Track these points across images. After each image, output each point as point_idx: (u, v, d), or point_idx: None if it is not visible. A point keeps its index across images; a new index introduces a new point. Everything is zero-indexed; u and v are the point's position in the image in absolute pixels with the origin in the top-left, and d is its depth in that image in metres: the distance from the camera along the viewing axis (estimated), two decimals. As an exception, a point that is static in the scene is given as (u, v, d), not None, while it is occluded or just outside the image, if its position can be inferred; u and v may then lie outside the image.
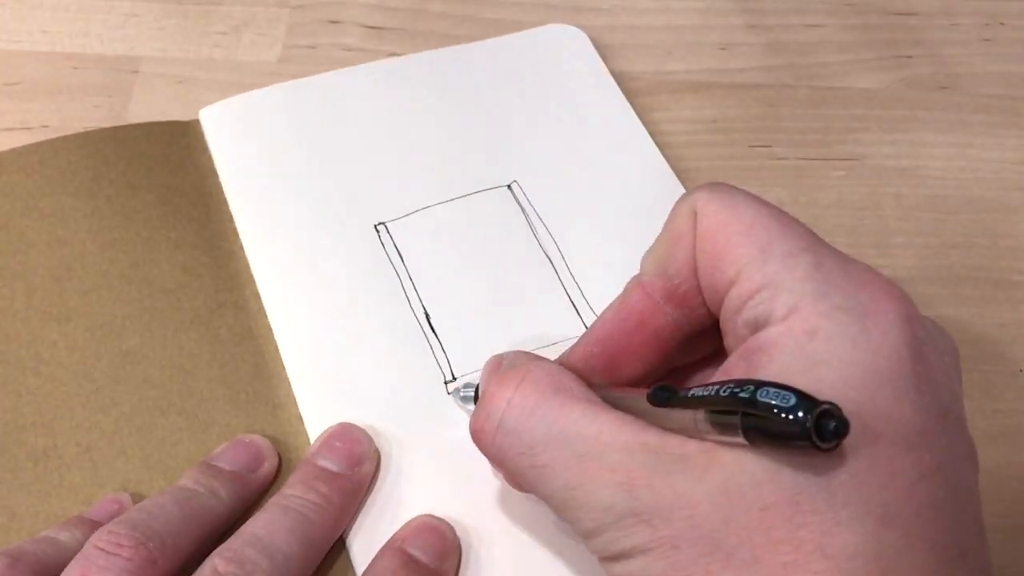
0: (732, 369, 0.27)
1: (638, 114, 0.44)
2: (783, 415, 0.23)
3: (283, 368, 0.38)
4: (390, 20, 0.49)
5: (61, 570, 0.31)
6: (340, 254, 0.40)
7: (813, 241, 0.28)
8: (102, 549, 0.30)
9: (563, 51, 0.47)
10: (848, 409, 0.24)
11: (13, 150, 0.43)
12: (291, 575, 0.32)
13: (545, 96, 0.45)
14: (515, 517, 0.34)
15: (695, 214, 0.29)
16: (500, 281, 0.40)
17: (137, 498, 0.35)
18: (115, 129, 0.44)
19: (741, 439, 0.24)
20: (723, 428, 0.25)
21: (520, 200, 0.42)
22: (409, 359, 0.38)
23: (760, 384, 0.24)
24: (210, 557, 0.31)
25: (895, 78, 0.47)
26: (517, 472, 0.29)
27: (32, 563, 0.31)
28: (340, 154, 0.43)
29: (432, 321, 0.39)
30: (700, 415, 0.25)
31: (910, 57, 0.48)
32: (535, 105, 0.45)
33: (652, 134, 0.44)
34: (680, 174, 0.42)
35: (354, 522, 0.34)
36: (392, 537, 0.33)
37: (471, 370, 0.37)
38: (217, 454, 0.35)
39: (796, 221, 0.28)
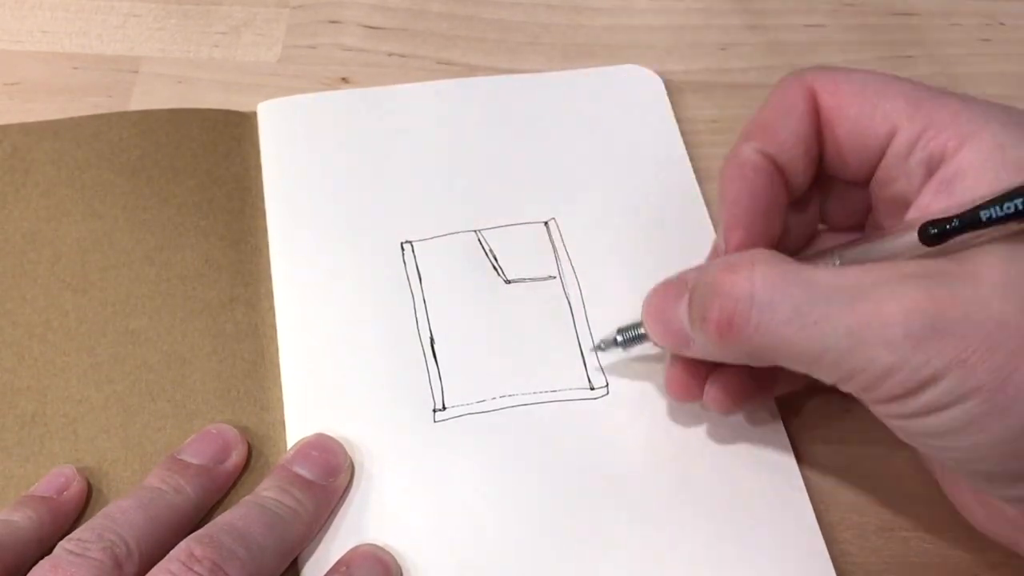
0: (931, 205, 0.30)
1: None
2: None
3: (279, 370, 0.38)
4: (390, 20, 0.49)
5: (19, 551, 0.32)
6: (360, 265, 0.40)
7: (938, 87, 0.31)
8: (71, 551, 0.31)
9: (634, 94, 0.45)
10: None
11: (71, 119, 0.44)
12: (265, 568, 0.32)
13: (604, 137, 0.44)
14: (464, 562, 0.34)
15: (810, 89, 0.33)
16: (513, 318, 0.39)
17: (101, 476, 0.35)
18: (172, 111, 0.44)
19: None
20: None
21: (554, 239, 0.41)
22: (403, 381, 0.37)
23: None
24: (185, 540, 0.31)
25: (895, 78, 0.47)
26: (783, 344, 0.29)
27: None
28: (385, 167, 0.43)
29: (436, 347, 0.38)
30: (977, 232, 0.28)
31: (910, 57, 0.48)
32: (592, 144, 0.44)
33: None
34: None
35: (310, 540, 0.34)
36: (337, 562, 0.33)
37: (462, 402, 0.37)
38: (184, 447, 0.35)
39: (906, 78, 0.32)
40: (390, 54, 0.48)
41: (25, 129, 0.44)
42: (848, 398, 0.38)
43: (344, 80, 0.47)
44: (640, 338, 0.36)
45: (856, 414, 0.37)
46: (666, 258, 0.40)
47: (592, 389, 0.37)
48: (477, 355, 0.38)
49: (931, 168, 0.30)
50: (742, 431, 0.36)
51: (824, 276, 0.29)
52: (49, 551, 0.31)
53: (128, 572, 0.31)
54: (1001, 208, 0.27)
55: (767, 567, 0.34)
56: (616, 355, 0.37)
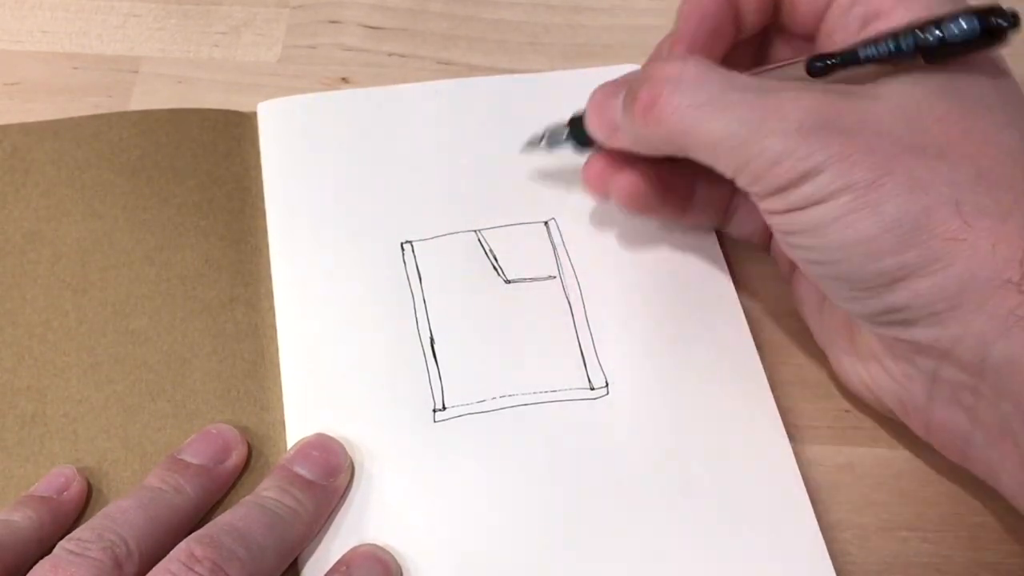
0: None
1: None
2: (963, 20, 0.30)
3: (279, 370, 0.38)
4: (390, 20, 0.49)
5: (19, 551, 0.32)
6: (361, 265, 0.40)
7: None
8: (71, 551, 0.31)
9: None
10: None
11: (71, 119, 0.44)
12: (265, 568, 0.32)
13: None
14: (464, 562, 0.34)
15: None
16: (513, 318, 0.39)
17: (102, 476, 0.35)
18: (172, 111, 0.44)
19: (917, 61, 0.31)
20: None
21: (554, 238, 0.41)
22: (403, 381, 0.37)
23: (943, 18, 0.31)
24: (185, 540, 0.31)
25: (895, 78, 0.47)
26: (693, 127, 0.32)
27: None
28: (385, 167, 0.43)
29: (435, 347, 0.38)
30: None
31: (910, 57, 0.48)
32: (592, 144, 0.44)
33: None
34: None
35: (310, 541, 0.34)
36: (337, 562, 0.33)
37: (462, 402, 0.37)
38: (184, 447, 0.35)
39: None
40: (390, 54, 0.48)
41: (25, 129, 0.44)
42: (847, 398, 0.38)
43: (344, 80, 0.47)
44: (560, 140, 0.39)
45: (856, 414, 0.37)
46: (666, 257, 0.40)
47: (592, 389, 0.37)
48: (477, 355, 0.38)
49: (866, 22, 0.33)
50: (742, 431, 0.36)
51: (744, 78, 0.32)
52: (49, 551, 0.31)
53: (128, 572, 0.31)
54: (876, 48, 0.31)
55: (767, 567, 0.34)
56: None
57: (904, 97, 0.31)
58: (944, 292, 0.29)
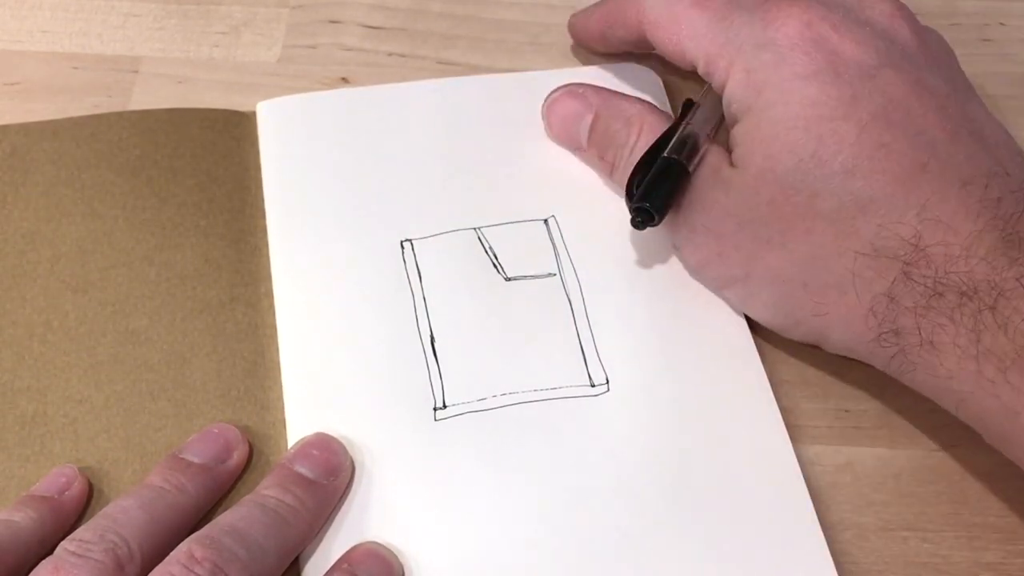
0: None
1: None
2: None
3: (279, 370, 0.38)
4: (390, 20, 0.49)
5: (20, 551, 0.32)
6: (361, 264, 0.40)
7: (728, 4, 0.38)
8: (72, 552, 0.31)
9: (633, 93, 0.44)
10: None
11: (71, 119, 0.44)
12: (266, 569, 0.32)
13: None
14: (466, 560, 0.34)
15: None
16: (514, 316, 0.39)
17: (102, 476, 0.35)
18: (171, 111, 0.44)
19: None
20: None
21: (554, 236, 0.41)
22: (403, 380, 0.37)
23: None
24: (186, 541, 0.31)
25: (895, 78, 0.47)
26: None
27: None
28: (385, 166, 0.43)
29: (436, 346, 0.38)
30: None
31: (910, 57, 0.48)
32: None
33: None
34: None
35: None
36: (339, 560, 0.33)
37: (463, 400, 0.37)
38: (186, 446, 0.35)
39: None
40: (390, 54, 0.48)
41: (25, 129, 0.44)
42: (847, 398, 0.38)
43: (344, 80, 0.47)
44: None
45: (856, 414, 0.37)
46: (666, 254, 0.40)
47: (593, 386, 0.37)
48: (477, 353, 0.38)
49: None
50: (743, 430, 0.36)
51: None
52: (50, 551, 0.31)
53: (130, 573, 0.31)
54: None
55: (767, 567, 0.34)
56: None
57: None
58: None
